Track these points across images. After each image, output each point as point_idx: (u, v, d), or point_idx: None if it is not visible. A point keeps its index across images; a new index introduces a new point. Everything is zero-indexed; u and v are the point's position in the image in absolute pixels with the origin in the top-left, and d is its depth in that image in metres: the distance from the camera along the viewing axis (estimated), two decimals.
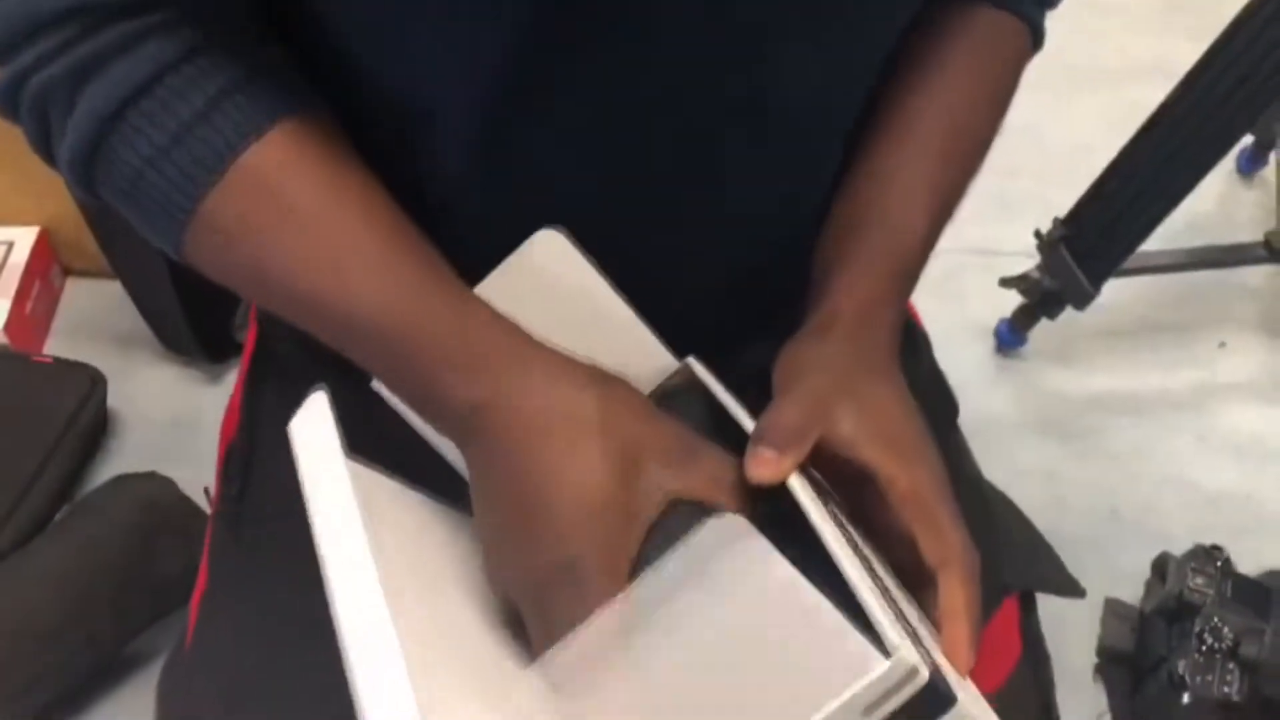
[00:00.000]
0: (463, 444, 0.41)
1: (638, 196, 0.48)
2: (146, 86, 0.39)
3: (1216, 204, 1.30)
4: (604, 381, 0.40)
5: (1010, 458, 0.95)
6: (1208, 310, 1.20)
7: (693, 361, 0.49)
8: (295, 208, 0.40)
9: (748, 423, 0.42)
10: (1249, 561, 0.92)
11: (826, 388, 0.43)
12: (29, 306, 1.07)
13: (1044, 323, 1.13)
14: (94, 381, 0.99)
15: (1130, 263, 1.09)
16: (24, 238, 1.09)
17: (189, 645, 0.65)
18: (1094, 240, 1.03)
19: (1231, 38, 0.93)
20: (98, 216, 0.99)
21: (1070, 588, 0.75)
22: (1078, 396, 1.12)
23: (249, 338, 0.67)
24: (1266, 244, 1.12)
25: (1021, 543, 0.77)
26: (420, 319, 0.40)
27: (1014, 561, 0.73)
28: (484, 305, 0.41)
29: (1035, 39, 0.57)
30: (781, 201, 0.52)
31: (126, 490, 0.88)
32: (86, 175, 0.42)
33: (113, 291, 1.09)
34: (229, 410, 0.66)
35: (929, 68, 0.54)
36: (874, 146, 0.53)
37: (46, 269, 1.11)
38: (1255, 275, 1.22)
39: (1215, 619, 0.84)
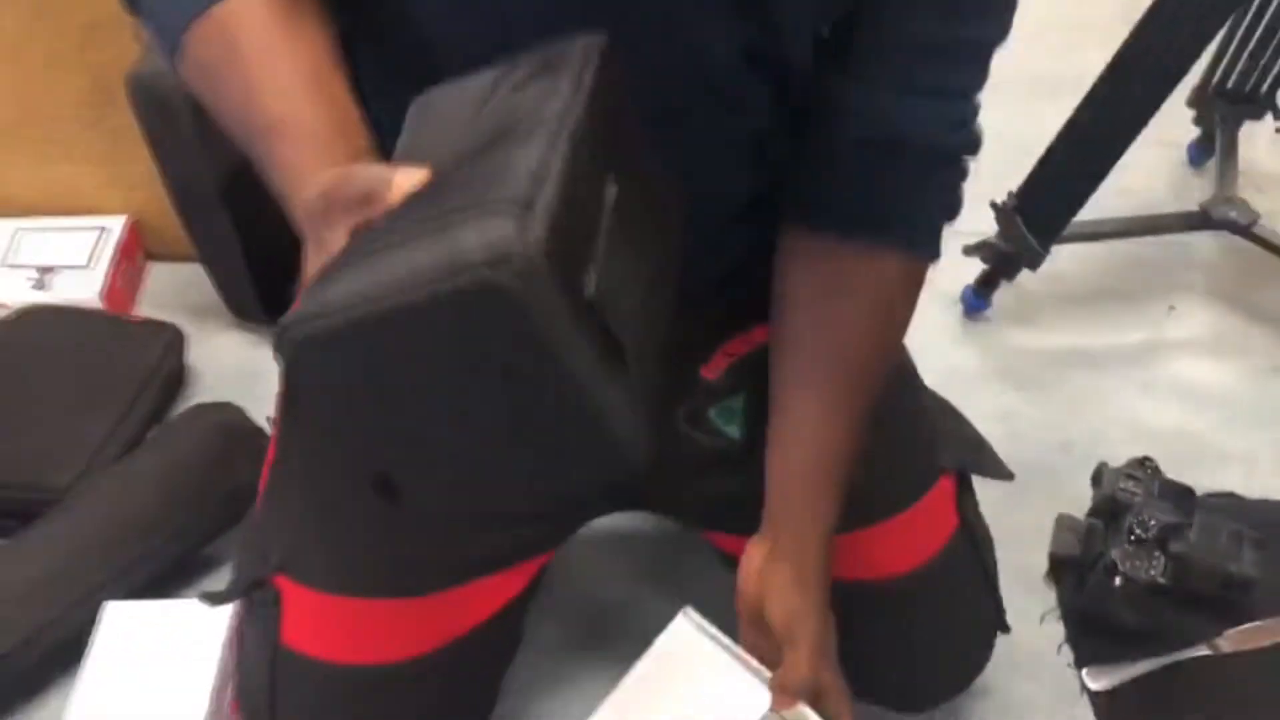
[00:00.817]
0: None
1: None
2: None
3: (1168, 192, 1.44)
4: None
5: (970, 403, 1.07)
6: (1158, 278, 1.33)
7: (689, 612, 0.70)
8: (238, 48, 0.52)
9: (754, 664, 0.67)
10: None
11: (821, 638, 0.66)
12: (120, 281, 1.25)
13: (1006, 291, 1.27)
14: (175, 335, 1.16)
15: (1082, 230, 1.24)
16: (116, 224, 1.27)
17: (260, 502, 0.81)
18: (1042, 205, 1.17)
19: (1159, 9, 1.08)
20: (183, 201, 1.17)
21: (999, 471, 0.88)
22: (1035, 352, 1.26)
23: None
24: (1203, 212, 1.26)
25: (959, 436, 0.90)
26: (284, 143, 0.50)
27: (949, 448, 0.86)
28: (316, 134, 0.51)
29: (932, 255, 0.70)
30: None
31: (205, 414, 1.05)
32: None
33: (187, 271, 1.27)
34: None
35: (828, 324, 0.68)
36: (790, 398, 0.70)
37: (134, 251, 1.29)
38: (1202, 248, 1.35)
39: (1143, 513, 0.96)
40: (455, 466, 0.44)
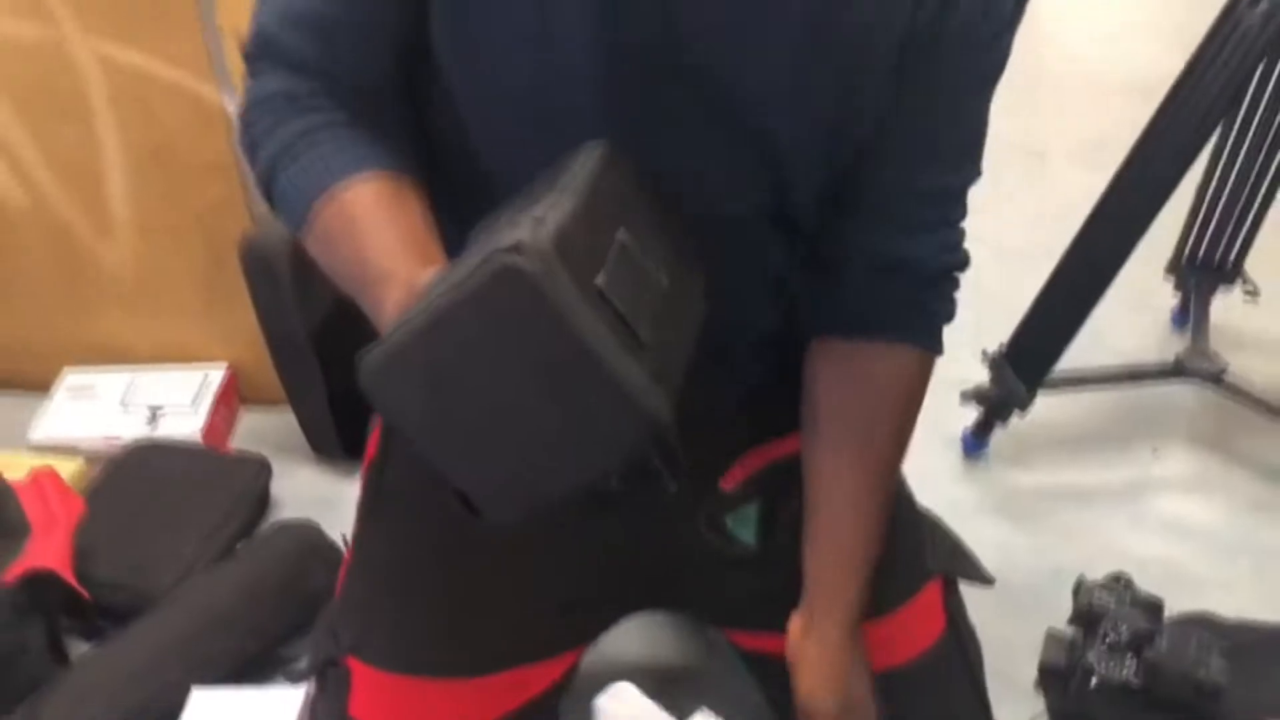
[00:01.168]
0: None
1: None
2: (303, 135, 0.69)
3: (1153, 351, 1.57)
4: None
5: (969, 534, 1.19)
6: (1143, 424, 1.47)
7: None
8: (355, 221, 0.67)
9: None
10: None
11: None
12: (218, 420, 1.43)
13: (1002, 434, 1.41)
14: (261, 465, 1.33)
15: (1071, 377, 1.38)
16: (217, 372, 1.47)
17: (337, 594, 0.95)
18: (1028, 354, 1.32)
19: (1119, 182, 1.25)
20: (278, 349, 1.36)
21: (981, 576, 1.00)
22: (1029, 489, 1.38)
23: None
24: (1178, 363, 1.40)
25: (944, 544, 1.02)
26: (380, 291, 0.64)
27: (936, 555, 0.98)
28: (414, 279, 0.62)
29: (938, 350, 0.83)
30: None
31: (286, 530, 1.20)
32: (265, 177, 0.72)
33: (275, 415, 1.45)
34: (368, 448, 0.98)
35: (857, 415, 0.81)
36: (824, 489, 0.83)
37: (231, 395, 1.48)
38: (1183, 397, 1.48)
39: (1117, 621, 1.06)
40: (509, 457, 0.54)
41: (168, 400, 1.43)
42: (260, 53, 0.72)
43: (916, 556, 0.96)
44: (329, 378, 1.36)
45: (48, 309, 1.48)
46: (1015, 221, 1.75)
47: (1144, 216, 1.24)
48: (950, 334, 0.83)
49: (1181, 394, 1.48)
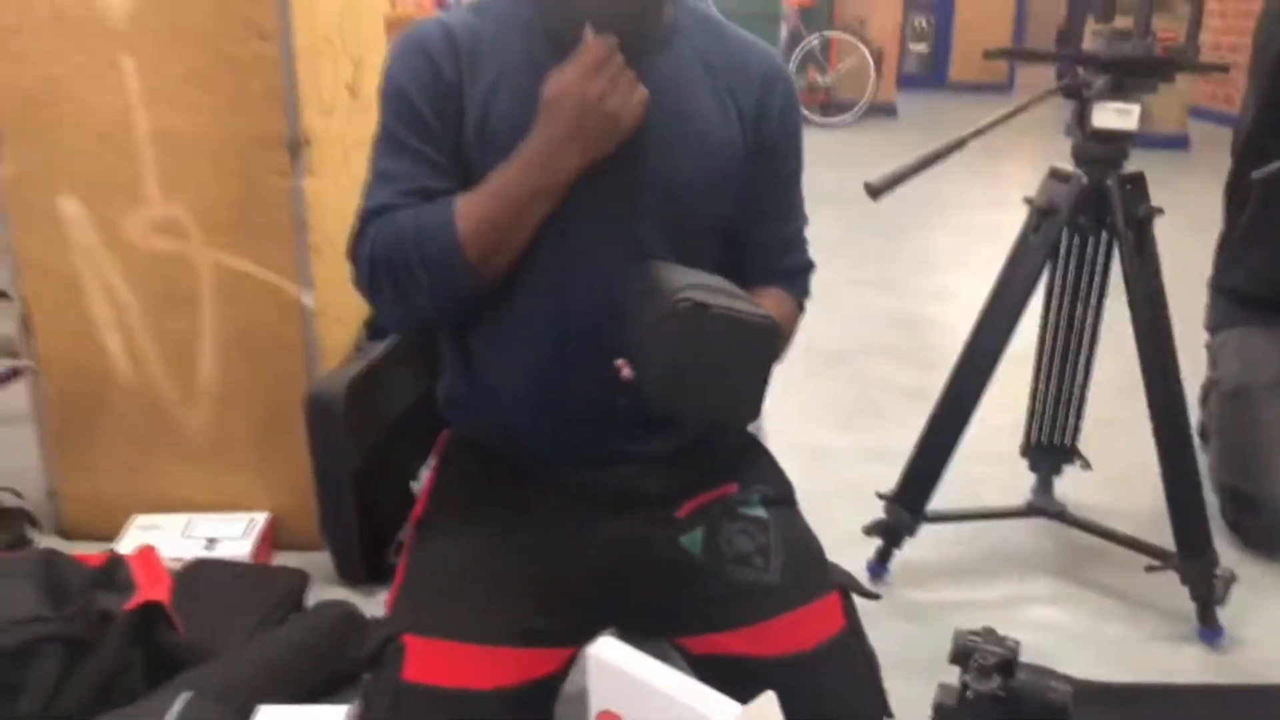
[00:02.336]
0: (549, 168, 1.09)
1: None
2: (405, 228, 1.12)
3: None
4: None
5: (877, 634, 1.51)
6: (1014, 552, 1.84)
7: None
8: (473, 204, 1.10)
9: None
10: None
11: None
12: (261, 552, 1.73)
13: (900, 563, 1.76)
14: (302, 573, 1.62)
15: (949, 514, 1.77)
16: (261, 517, 1.79)
17: (390, 604, 1.25)
18: (910, 491, 1.72)
19: (956, 370, 1.71)
20: (323, 486, 1.69)
21: (867, 593, 1.33)
22: (925, 602, 1.72)
23: (430, 471, 1.37)
24: (1028, 505, 1.79)
25: (843, 573, 1.35)
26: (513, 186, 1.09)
27: (835, 575, 1.32)
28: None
29: (804, 293, 1.34)
30: None
31: (326, 607, 1.49)
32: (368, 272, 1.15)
33: (304, 557, 1.75)
34: (417, 505, 1.33)
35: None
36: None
37: (270, 535, 1.79)
38: (1043, 532, 1.87)
39: (984, 651, 1.38)
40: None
41: (221, 534, 1.73)
42: (378, 215, 1.17)
43: (821, 572, 1.30)
44: (361, 515, 1.70)
45: (126, 465, 1.81)
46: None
47: (974, 394, 1.70)
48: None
49: (1039, 528, 1.88)
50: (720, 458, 1.31)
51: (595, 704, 1.10)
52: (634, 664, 1.07)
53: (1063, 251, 1.74)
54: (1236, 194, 2.06)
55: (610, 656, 1.08)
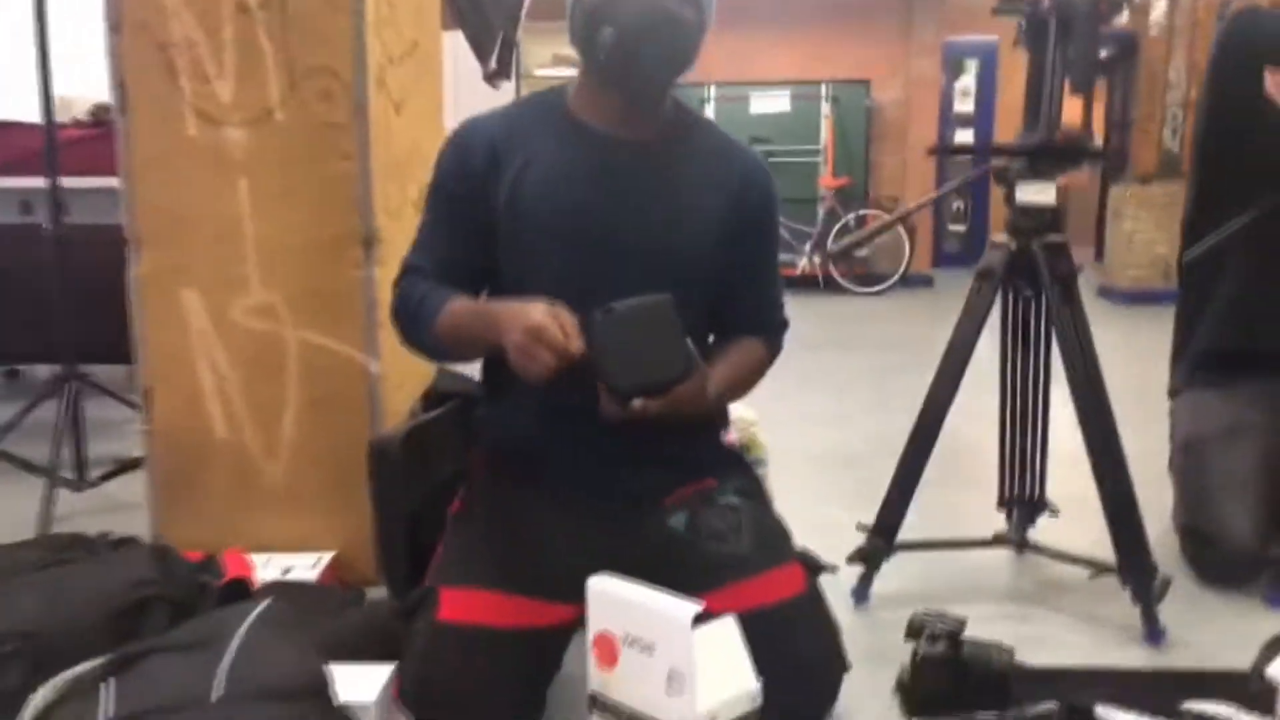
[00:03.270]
0: (496, 334, 1.40)
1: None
2: (427, 291, 1.52)
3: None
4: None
5: (856, 645, 1.72)
6: (980, 578, 2.05)
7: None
8: (452, 317, 1.48)
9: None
10: None
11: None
12: (325, 579, 2.03)
13: (880, 588, 1.99)
14: (359, 592, 1.91)
15: (921, 543, 2.00)
16: (327, 555, 2.09)
17: (430, 575, 1.54)
18: (885, 520, 1.96)
19: (920, 415, 1.99)
20: (381, 519, 2.00)
21: (827, 568, 1.58)
22: (899, 620, 1.93)
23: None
24: (995, 537, 2.02)
25: (802, 549, 1.60)
26: (479, 319, 1.44)
27: (798, 552, 1.58)
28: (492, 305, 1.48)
29: (776, 346, 1.68)
30: None
31: (379, 603, 1.77)
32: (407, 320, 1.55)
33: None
34: (454, 504, 1.64)
35: (732, 350, 1.65)
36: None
37: (334, 571, 2.09)
38: (1007, 560, 2.08)
39: (935, 623, 1.60)
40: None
41: (294, 565, 2.04)
42: (409, 273, 1.55)
43: (785, 546, 1.56)
44: (410, 550, 1.99)
45: (218, 511, 2.14)
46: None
47: (931, 436, 1.97)
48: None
49: (1004, 556, 2.10)
50: (704, 459, 1.61)
51: (592, 628, 1.37)
52: (620, 588, 1.35)
53: (1010, 314, 2.05)
54: (1185, 270, 2.35)
55: (603, 585, 1.36)
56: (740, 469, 1.68)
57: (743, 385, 1.63)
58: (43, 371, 4.72)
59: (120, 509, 2.60)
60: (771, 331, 1.68)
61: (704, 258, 1.56)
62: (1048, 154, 1.89)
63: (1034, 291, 2.00)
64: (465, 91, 3.49)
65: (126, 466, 2.73)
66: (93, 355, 3.00)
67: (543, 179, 1.52)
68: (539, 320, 1.32)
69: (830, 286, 8.34)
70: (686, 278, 1.52)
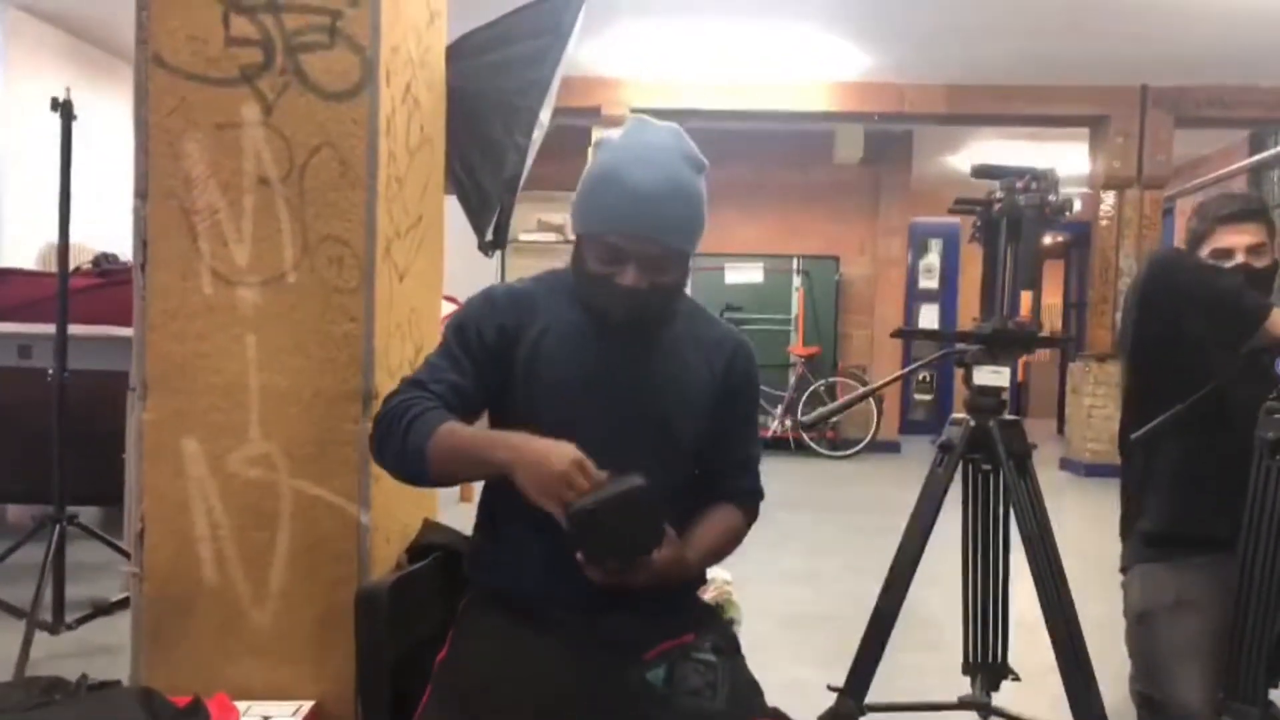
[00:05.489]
0: (507, 468, 1.53)
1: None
2: (426, 409, 1.64)
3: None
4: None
5: None
6: None
7: None
8: (454, 434, 1.60)
9: None
10: None
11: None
12: None
13: None
14: None
15: (888, 705, 2.06)
16: (307, 703, 2.12)
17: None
18: (856, 680, 2.03)
19: (890, 573, 2.09)
20: (363, 668, 2.04)
21: None
22: None
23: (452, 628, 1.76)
24: (960, 701, 2.08)
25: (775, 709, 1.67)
26: (492, 442, 1.57)
27: (770, 710, 1.65)
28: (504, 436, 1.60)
29: (753, 513, 1.80)
30: None
31: None
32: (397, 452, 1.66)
33: None
34: (441, 650, 1.72)
35: (710, 517, 1.77)
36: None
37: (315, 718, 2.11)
38: None
39: None
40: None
41: (274, 714, 2.06)
42: (407, 387, 1.67)
43: (757, 702, 1.64)
44: (392, 697, 2.03)
45: (200, 658, 2.17)
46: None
47: (898, 600, 2.07)
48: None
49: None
50: (683, 614, 1.70)
51: None
52: None
53: (970, 485, 2.19)
54: (1126, 448, 2.50)
55: None
56: (716, 625, 1.77)
57: (720, 551, 1.75)
58: (14, 512, 4.73)
59: (96, 653, 2.61)
60: (748, 498, 1.80)
61: (694, 421, 1.72)
62: (1001, 341, 2.06)
63: (991, 466, 2.14)
64: (455, 256, 3.69)
65: (104, 610, 2.75)
66: (81, 497, 3.08)
67: (557, 348, 1.69)
68: (575, 461, 1.47)
69: (801, 449, 8.50)
70: (675, 440, 1.70)
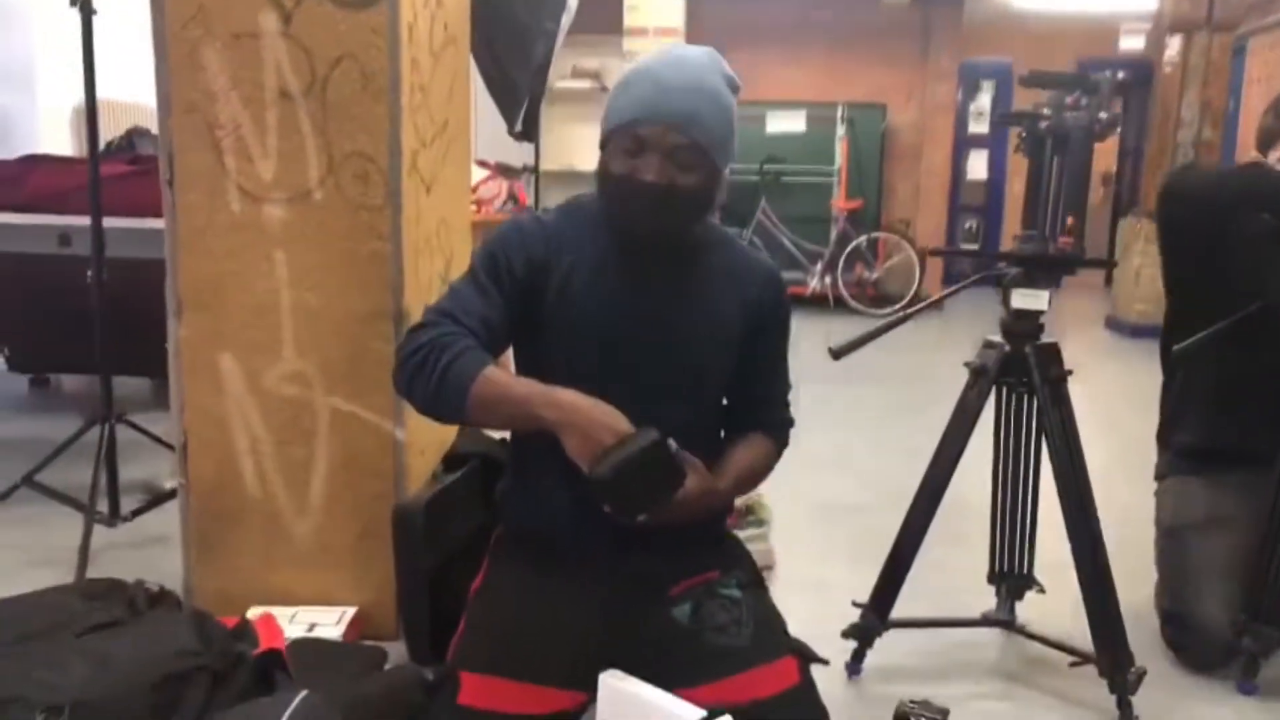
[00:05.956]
0: (555, 427, 1.52)
1: None
2: (462, 347, 1.57)
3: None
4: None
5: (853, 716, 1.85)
6: (968, 655, 2.17)
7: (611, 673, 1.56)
8: (497, 383, 1.56)
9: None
10: None
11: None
12: (350, 636, 2.15)
13: (872, 663, 2.11)
14: (380, 651, 2.04)
15: (911, 621, 2.12)
16: (350, 610, 2.22)
17: (450, 655, 1.67)
18: (879, 599, 2.08)
19: (921, 488, 2.10)
20: (404, 584, 2.12)
21: (820, 660, 1.69)
22: (890, 694, 2.04)
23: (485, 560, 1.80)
24: (983, 617, 2.13)
25: (798, 641, 1.72)
26: (535, 405, 1.54)
27: (793, 641, 1.70)
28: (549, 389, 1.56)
29: (783, 442, 1.80)
30: None
31: (401, 668, 1.89)
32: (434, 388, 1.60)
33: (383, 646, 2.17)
34: (475, 581, 1.77)
35: (740, 447, 1.78)
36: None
37: (358, 626, 2.21)
38: (994, 640, 2.20)
39: (917, 712, 1.72)
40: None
41: (319, 621, 2.16)
42: (437, 319, 1.65)
43: (782, 640, 1.68)
44: (431, 607, 2.11)
45: (248, 566, 2.27)
46: None
47: (925, 520, 2.09)
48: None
49: (992, 636, 2.22)
50: (708, 550, 1.73)
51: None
52: (631, 686, 1.48)
53: (1003, 408, 2.17)
54: (1167, 363, 2.46)
55: (615, 681, 1.49)
56: (741, 560, 1.80)
57: (750, 481, 1.76)
58: (69, 382, 4.87)
59: (151, 544, 2.73)
60: (777, 428, 1.80)
61: (722, 354, 1.70)
62: (1042, 264, 1.99)
63: (1026, 390, 2.11)
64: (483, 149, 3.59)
65: (158, 500, 2.86)
66: (125, 368, 3.36)
67: (588, 279, 1.66)
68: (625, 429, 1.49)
69: (840, 306, 8.44)
70: (705, 377, 1.70)
